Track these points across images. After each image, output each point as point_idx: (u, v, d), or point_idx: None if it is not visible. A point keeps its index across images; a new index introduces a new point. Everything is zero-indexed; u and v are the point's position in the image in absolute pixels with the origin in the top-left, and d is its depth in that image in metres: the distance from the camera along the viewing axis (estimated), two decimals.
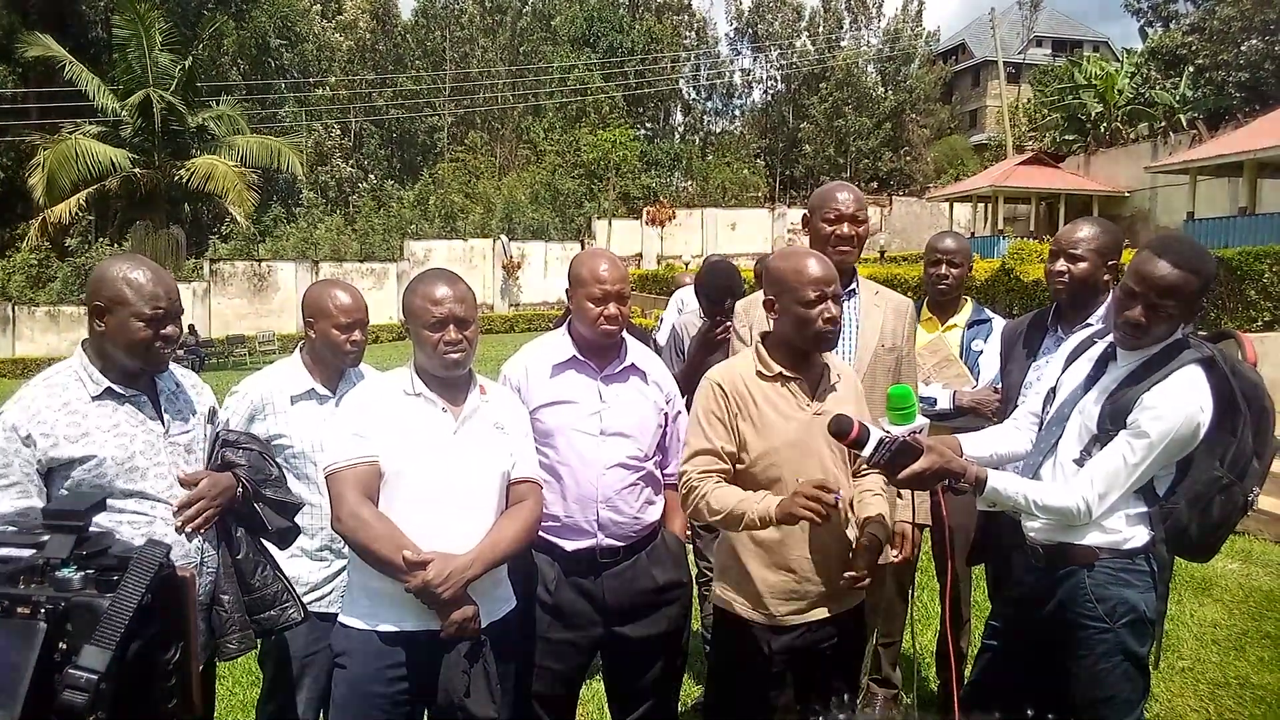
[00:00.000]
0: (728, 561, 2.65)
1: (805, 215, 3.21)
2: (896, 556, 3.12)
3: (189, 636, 1.13)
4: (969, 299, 3.92)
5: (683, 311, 6.09)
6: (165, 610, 1.07)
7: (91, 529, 1.10)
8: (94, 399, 2.28)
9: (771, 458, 2.49)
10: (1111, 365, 2.44)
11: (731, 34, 51.31)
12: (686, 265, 26.84)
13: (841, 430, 2.28)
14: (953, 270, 3.77)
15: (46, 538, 1.09)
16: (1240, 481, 2.28)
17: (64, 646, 1.02)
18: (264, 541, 2.57)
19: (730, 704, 2.65)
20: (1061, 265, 3.08)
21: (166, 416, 2.41)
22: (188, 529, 2.33)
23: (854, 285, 3.12)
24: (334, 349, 2.86)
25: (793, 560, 2.51)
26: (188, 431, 2.45)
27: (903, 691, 3.92)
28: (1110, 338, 2.47)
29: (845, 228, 3.03)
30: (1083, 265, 3.04)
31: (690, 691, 3.78)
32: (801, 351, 2.55)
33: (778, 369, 2.54)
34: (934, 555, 3.75)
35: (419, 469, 2.39)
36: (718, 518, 2.44)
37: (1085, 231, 3.07)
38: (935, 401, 3.59)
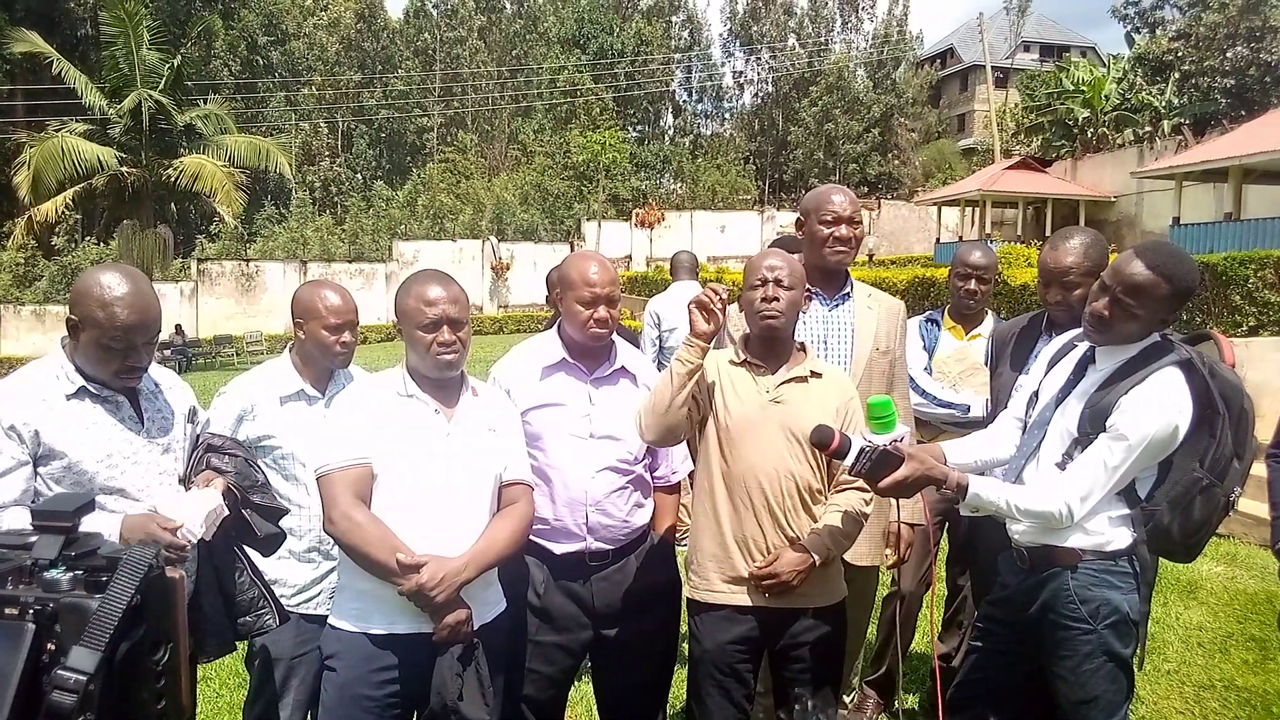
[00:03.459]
0: (691, 552, 2.72)
1: (799, 219, 3.20)
2: (889, 557, 3.14)
3: (178, 638, 1.12)
4: (989, 311, 3.95)
5: (660, 326, 6.00)
6: (154, 611, 1.07)
7: (80, 530, 1.10)
8: (69, 397, 2.27)
9: (723, 433, 2.61)
10: (1091, 369, 2.45)
11: (725, 35, 51.43)
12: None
13: (822, 441, 2.33)
14: (981, 286, 3.78)
15: (34, 538, 1.09)
16: (1220, 482, 2.29)
17: (52, 647, 1.01)
18: (243, 547, 2.55)
19: (699, 692, 2.67)
20: (1057, 295, 2.98)
21: (146, 416, 2.39)
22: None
23: (848, 288, 3.14)
24: (323, 350, 2.85)
25: (751, 543, 2.59)
26: (167, 431, 2.44)
27: (899, 696, 3.93)
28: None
29: (843, 229, 3.05)
30: (1079, 291, 2.93)
31: (679, 694, 3.78)
32: (762, 342, 2.66)
33: (745, 356, 2.67)
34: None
35: (411, 471, 2.38)
36: (653, 398, 2.51)
37: (1073, 258, 2.93)
38: (969, 408, 3.59)
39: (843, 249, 3.06)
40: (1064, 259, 2.94)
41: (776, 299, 2.59)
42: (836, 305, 3.11)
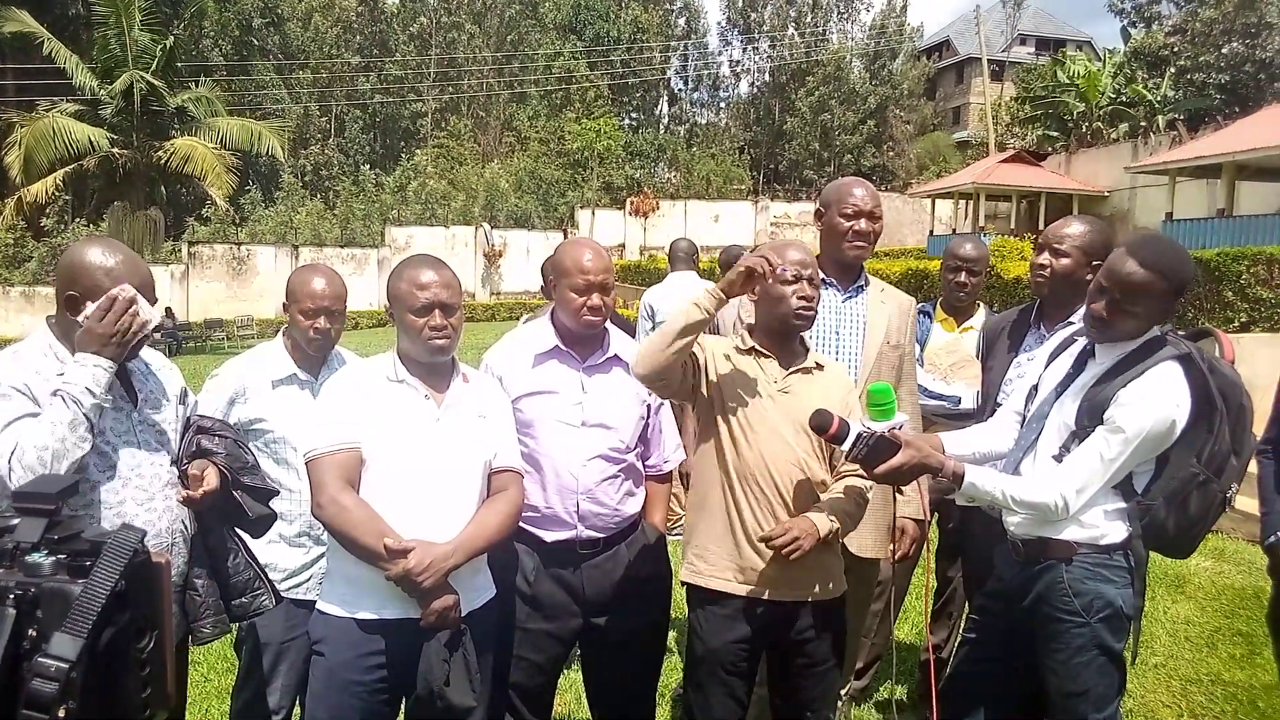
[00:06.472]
0: (691, 535, 2.69)
1: (818, 209, 3.16)
2: (895, 552, 3.13)
3: (163, 625, 1.10)
4: (980, 304, 3.97)
5: (654, 319, 5.75)
6: (139, 597, 1.05)
7: (63, 512, 1.08)
8: (60, 375, 2.23)
9: (733, 423, 2.56)
10: (1090, 362, 2.45)
11: (724, 23, 51.29)
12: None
13: (822, 425, 2.33)
14: (971, 279, 3.82)
15: (16, 521, 1.07)
16: (1217, 478, 2.30)
17: (33, 634, 0.99)
18: (236, 529, 2.53)
19: (701, 688, 2.65)
20: (1045, 259, 3.06)
21: (140, 395, 2.37)
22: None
23: (862, 281, 3.12)
24: (300, 334, 2.83)
25: (752, 536, 2.54)
26: (159, 411, 2.42)
27: (886, 686, 3.93)
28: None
29: (863, 223, 3.02)
30: (1065, 261, 3.02)
31: (667, 682, 3.78)
32: (777, 334, 2.62)
33: (752, 344, 2.63)
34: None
35: (401, 456, 2.36)
36: (664, 329, 2.44)
37: (1073, 228, 3.05)
38: (960, 400, 3.61)
39: (862, 244, 3.04)
40: (1064, 227, 3.06)
41: (812, 299, 2.58)
42: (850, 297, 3.08)
